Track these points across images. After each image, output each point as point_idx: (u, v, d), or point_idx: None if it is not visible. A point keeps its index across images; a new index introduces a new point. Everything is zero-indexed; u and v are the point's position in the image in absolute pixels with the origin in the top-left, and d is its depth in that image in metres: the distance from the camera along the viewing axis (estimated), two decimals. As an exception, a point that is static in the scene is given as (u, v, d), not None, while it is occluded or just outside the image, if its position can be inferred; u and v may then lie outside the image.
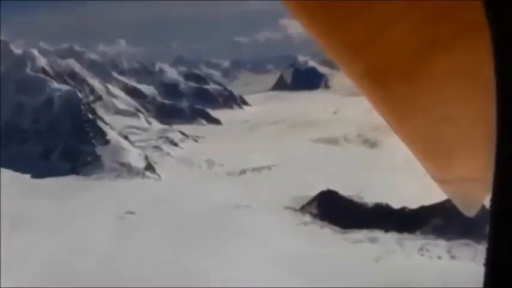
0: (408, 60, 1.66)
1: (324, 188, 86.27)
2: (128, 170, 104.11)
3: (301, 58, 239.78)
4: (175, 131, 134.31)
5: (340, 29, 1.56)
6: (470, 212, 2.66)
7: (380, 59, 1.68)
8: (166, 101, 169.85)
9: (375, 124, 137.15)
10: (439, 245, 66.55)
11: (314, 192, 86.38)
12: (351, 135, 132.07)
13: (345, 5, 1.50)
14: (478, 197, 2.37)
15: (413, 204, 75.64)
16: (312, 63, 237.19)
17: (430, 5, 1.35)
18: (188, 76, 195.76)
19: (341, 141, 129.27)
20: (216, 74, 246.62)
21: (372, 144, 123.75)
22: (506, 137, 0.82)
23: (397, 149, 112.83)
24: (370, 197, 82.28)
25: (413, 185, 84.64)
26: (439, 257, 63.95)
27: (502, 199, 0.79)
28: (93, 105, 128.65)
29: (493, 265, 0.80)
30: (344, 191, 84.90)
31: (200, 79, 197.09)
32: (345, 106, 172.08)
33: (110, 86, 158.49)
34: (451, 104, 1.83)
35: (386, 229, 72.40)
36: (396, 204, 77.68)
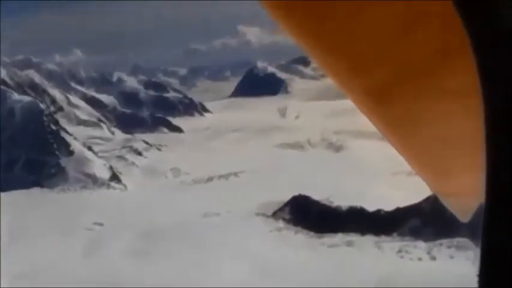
0: (408, 77, 1.64)
1: (293, 193, 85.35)
2: (93, 180, 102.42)
3: (260, 64, 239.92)
4: (138, 140, 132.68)
5: (337, 48, 1.54)
6: (465, 218, 2.69)
7: (379, 77, 1.64)
8: (127, 110, 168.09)
9: (338, 128, 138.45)
10: (418, 247, 66.17)
11: (284, 197, 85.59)
12: (315, 139, 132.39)
13: (344, 26, 1.47)
14: (473, 206, 2.42)
15: (387, 207, 75.72)
16: (271, 69, 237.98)
17: (433, 21, 1.34)
18: (148, 85, 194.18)
19: (305, 146, 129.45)
20: (174, 82, 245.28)
21: (337, 148, 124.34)
22: (493, 150, 0.86)
23: (362, 153, 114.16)
24: (340, 200, 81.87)
25: (383, 188, 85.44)
26: (420, 259, 63.61)
27: (494, 204, 0.83)
28: (55, 116, 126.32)
29: (488, 265, 0.83)
30: (314, 195, 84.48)
31: (160, 87, 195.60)
32: (306, 111, 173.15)
33: (70, 96, 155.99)
34: (450, 122, 1.83)
35: (363, 232, 71.93)
36: (370, 207, 77.29)
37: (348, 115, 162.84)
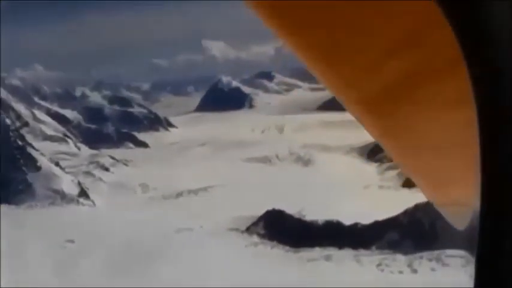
0: (404, 87, 1.63)
1: (265, 208, 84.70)
2: (62, 197, 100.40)
3: (224, 78, 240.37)
4: (104, 155, 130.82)
5: (332, 58, 1.53)
6: (460, 226, 2.73)
7: (374, 87, 1.64)
8: (92, 126, 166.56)
9: (304, 142, 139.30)
10: (398, 259, 65.72)
11: (256, 212, 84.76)
12: (283, 153, 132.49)
13: (341, 36, 1.46)
14: (468, 214, 2.41)
15: (363, 220, 75.74)
16: (235, 83, 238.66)
17: (432, 32, 1.31)
18: (112, 100, 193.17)
19: (274, 160, 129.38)
20: (137, 97, 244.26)
21: (305, 162, 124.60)
22: (488, 157, 0.86)
23: (331, 167, 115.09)
24: (312, 214, 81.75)
25: (356, 201, 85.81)
26: (401, 272, 62.99)
27: (489, 213, 0.84)
28: (21, 131, 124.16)
29: (484, 271, 0.84)
30: (286, 209, 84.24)
31: (124, 102, 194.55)
32: (272, 125, 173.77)
33: (35, 112, 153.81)
34: (446, 132, 1.82)
35: (340, 246, 71.49)
36: (345, 221, 77.03)
37: (313, 129, 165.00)
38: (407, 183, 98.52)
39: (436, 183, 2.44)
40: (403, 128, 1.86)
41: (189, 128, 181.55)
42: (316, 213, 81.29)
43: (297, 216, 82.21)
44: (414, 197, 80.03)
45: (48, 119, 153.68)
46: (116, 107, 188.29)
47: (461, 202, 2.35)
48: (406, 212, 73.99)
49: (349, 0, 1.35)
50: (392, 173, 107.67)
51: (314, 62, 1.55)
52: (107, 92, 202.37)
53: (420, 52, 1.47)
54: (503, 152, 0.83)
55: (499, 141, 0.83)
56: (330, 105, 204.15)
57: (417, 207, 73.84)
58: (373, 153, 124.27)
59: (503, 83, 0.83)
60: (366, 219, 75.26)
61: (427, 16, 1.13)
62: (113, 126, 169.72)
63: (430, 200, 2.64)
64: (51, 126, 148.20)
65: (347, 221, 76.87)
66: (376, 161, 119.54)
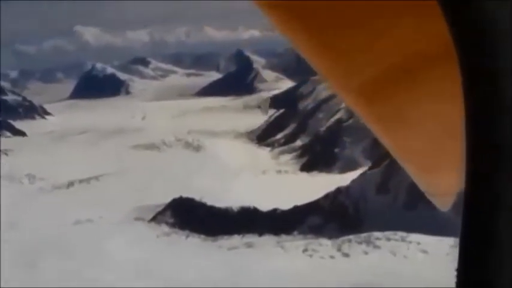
0: (400, 77, 1.67)
1: (166, 195, 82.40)
2: None
3: (99, 65, 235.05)
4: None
5: (332, 39, 1.52)
6: (445, 208, 2.91)
7: (369, 75, 1.66)
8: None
9: (189, 128, 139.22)
10: (324, 244, 62.87)
11: (158, 200, 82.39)
12: (169, 140, 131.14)
13: (337, 25, 1.48)
14: (452, 196, 2.66)
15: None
16: (110, 70, 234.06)
17: (428, 20, 1.27)
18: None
19: (161, 147, 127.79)
20: (6, 84, 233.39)
21: (196, 148, 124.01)
22: (473, 147, 0.88)
23: (224, 152, 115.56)
24: (215, 201, 79.86)
25: (258, 186, 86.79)
26: (332, 257, 59.87)
27: (471, 193, 0.86)
28: None
29: (468, 250, 0.85)
30: (188, 196, 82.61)
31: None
32: (151, 111, 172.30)
33: None
34: (439, 121, 1.91)
35: (260, 233, 69.91)
36: (262, 207, 75.67)
37: (195, 115, 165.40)
38: (305, 167, 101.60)
39: (427, 171, 2.50)
40: (398, 115, 1.90)
41: (66, 116, 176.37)
42: (219, 200, 79.68)
43: (207, 203, 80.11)
44: (332, 181, 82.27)
45: None
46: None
47: (451, 192, 2.53)
48: (328, 196, 73.91)
49: None
50: (287, 157, 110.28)
51: (308, 50, 1.55)
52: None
53: (417, 44, 1.49)
54: (485, 139, 0.85)
55: (484, 134, 0.85)
56: (209, 91, 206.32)
57: (339, 191, 74.16)
58: (263, 138, 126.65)
59: (493, 81, 0.85)
60: (284, 205, 74.37)
61: (424, 10, 1.13)
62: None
63: (418, 183, 2.65)
64: None
65: (263, 207, 75.77)
66: (267, 146, 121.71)
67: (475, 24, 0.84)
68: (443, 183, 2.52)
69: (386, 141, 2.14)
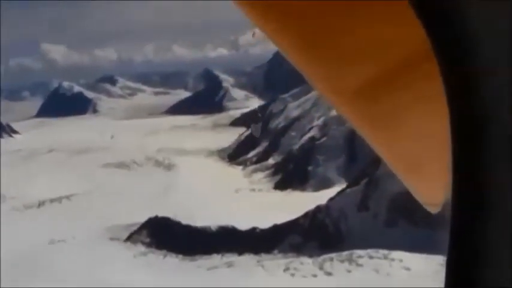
0: (388, 80, 1.65)
1: (140, 215, 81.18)
2: None
3: (65, 83, 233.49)
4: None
5: (321, 43, 1.51)
6: (434, 211, 2.83)
7: (357, 78, 1.65)
8: None
9: (158, 147, 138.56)
10: (305, 263, 61.92)
11: (132, 220, 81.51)
12: (139, 158, 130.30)
13: (329, 26, 1.46)
14: (441, 200, 2.58)
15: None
16: (77, 88, 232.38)
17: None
18: None
19: (132, 165, 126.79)
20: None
21: (167, 166, 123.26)
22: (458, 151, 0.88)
23: (195, 170, 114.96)
24: (188, 220, 78.84)
25: (231, 205, 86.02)
26: (314, 275, 59.02)
27: (458, 197, 0.85)
28: None
29: (457, 249, 0.85)
30: (160, 215, 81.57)
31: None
32: (120, 130, 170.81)
33: None
34: (430, 122, 1.79)
35: (240, 252, 69.29)
36: (240, 226, 75.02)
37: (165, 134, 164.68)
38: (279, 186, 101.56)
39: (413, 170, 2.42)
40: (390, 116, 1.89)
41: (33, 134, 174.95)
42: (194, 219, 78.93)
43: (187, 222, 78.98)
44: (307, 199, 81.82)
45: None
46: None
47: (437, 187, 2.42)
48: (307, 215, 73.36)
49: None
50: (260, 175, 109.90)
51: (298, 54, 1.54)
52: None
53: (405, 47, 1.47)
54: (470, 143, 0.85)
55: (469, 141, 0.84)
56: (178, 110, 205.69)
57: (319, 209, 73.66)
58: (234, 156, 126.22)
59: (474, 84, 0.84)
60: (261, 224, 73.95)
61: (412, 13, 1.07)
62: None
63: (407, 186, 2.57)
64: None
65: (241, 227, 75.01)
66: (239, 164, 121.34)
67: (449, 35, 0.84)
68: (428, 180, 2.42)
69: (376, 145, 2.10)
